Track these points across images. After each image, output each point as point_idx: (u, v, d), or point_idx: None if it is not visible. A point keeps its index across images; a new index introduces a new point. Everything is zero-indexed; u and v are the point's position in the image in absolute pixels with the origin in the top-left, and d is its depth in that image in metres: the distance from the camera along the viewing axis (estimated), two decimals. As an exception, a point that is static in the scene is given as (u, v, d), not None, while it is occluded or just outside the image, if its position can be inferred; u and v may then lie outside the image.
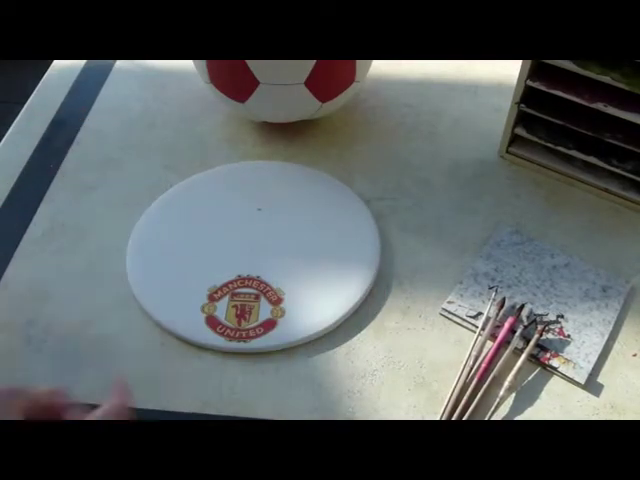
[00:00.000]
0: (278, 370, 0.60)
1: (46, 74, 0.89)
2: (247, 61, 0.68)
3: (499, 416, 0.57)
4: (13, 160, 0.77)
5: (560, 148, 0.72)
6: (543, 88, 0.68)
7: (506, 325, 0.61)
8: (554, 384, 0.59)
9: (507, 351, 0.59)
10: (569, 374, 0.59)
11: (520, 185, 0.75)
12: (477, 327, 0.62)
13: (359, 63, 0.73)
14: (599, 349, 0.60)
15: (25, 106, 0.84)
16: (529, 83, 0.68)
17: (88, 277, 0.66)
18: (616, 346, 0.61)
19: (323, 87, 0.71)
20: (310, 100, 0.72)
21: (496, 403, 0.57)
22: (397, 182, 0.75)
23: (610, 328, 0.62)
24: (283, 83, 0.70)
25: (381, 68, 0.87)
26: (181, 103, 0.85)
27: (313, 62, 0.68)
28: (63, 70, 0.89)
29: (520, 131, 0.74)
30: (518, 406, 0.57)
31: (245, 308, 0.63)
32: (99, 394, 0.58)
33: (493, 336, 0.61)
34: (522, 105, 0.71)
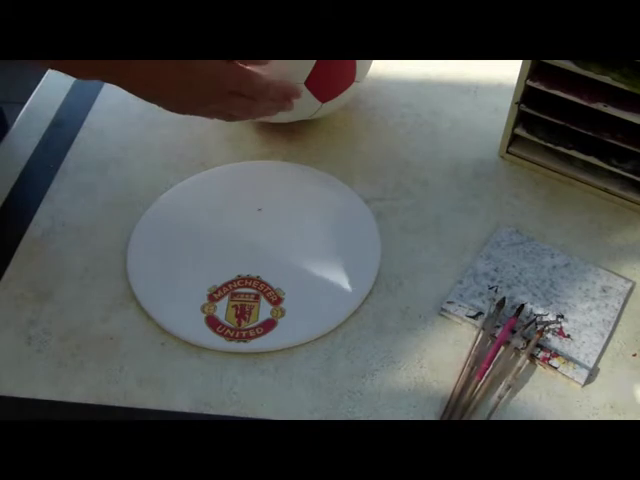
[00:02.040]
0: (278, 370, 0.60)
1: (46, 74, 0.89)
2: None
3: (499, 416, 0.57)
4: (13, 160, 0.77)
5: (560, 148, 0.72)
6: (543, 88, 0.68)
7: (506, 325, 0.61)
8: (554, 384, 0.59)
9: (507, 351, 0.59)
10: (569, 374, 0.59)
11: (520, 185, 0.75)
12: (477, 327, 0.62)
13: (359, 63, 0.73)
14: (599, 349, 0.60)
15: (25, 106, 0.84)
16: (529, 83, 0.68)
17: (88, 277, 0.66)
18: (616, 346, 0.61)
19: (323, 87, 0.71)
20: (310, 100, 0.72)
21: (496, 403, 0.57)
22: (397, 182, 0.75)
23: (610, 328, 0.62)
24: (283, 83, 0.70)
25: (381, 68, 0.87)
26: (181, 103, 0.85)
27: (313, 62, 0.68)
28: (63, 70, 0.89)
29: (520, 131, 0.74)
30: (518, 406, 0.57)
31: (245, 308, 0.63)
32: (99, 394, 0.58)
33: (493, 336, 0.61)
34: (522, 105, 0.71)
